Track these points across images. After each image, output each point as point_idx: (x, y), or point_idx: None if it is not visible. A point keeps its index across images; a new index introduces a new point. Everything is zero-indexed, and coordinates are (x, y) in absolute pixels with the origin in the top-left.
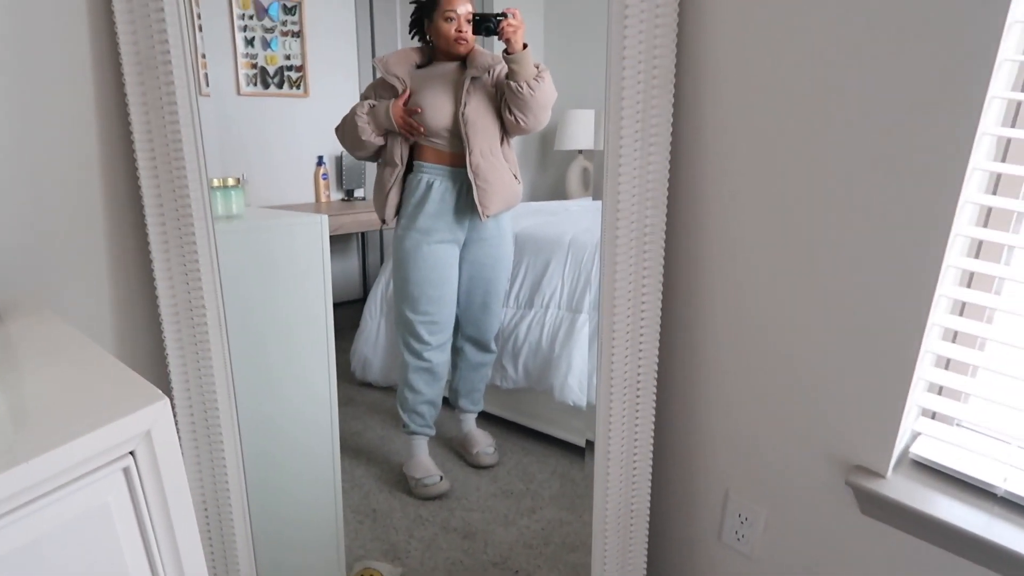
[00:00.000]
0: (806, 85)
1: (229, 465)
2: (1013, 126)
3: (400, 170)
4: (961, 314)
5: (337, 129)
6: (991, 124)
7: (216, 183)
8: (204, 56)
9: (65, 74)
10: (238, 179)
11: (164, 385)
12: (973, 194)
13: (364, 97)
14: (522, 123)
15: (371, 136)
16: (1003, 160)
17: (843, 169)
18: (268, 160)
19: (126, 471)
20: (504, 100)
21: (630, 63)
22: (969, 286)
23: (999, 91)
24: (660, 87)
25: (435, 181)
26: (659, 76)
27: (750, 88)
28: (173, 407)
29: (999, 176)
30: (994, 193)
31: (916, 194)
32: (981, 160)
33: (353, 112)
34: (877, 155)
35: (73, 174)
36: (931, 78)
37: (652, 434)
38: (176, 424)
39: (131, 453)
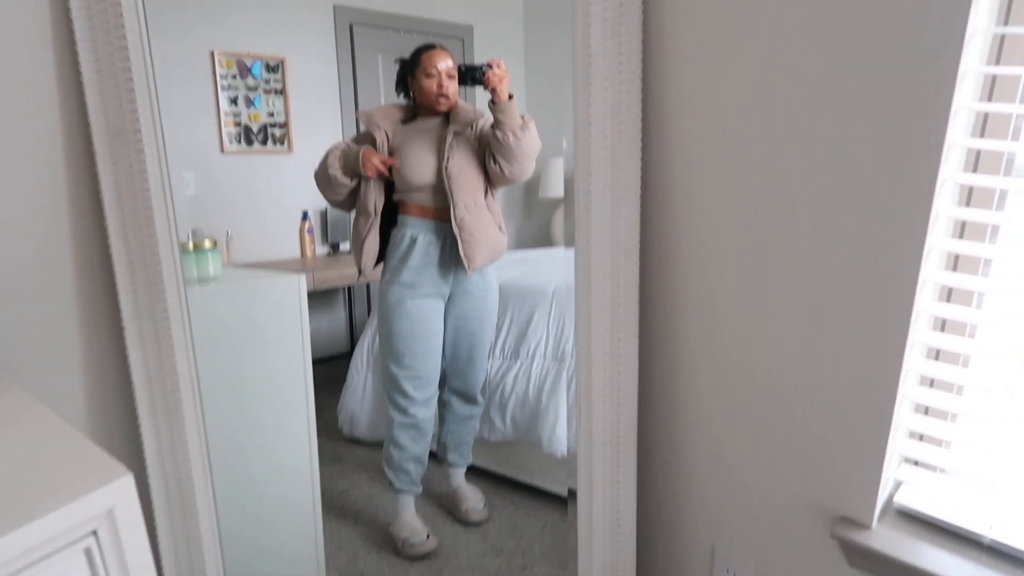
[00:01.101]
0: (770, 134)
1: (204, 536)
2: (975, 171)
3: (374, 220)
4: (937, 359)
5: (316, 172)
6: (952, 170)
7: (191, 246)
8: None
9: (34, 143)
10: (214, 241)
11: (136, 456)
12: (940, 239)
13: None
14: (507, 172)
15: (338, 172)
16: (967, 204)
17: (811, 217)
18: (253, 216)
19: (87, 552)
20: (489, 150)
21: (597, 118)
22: (943, 330)
23: (957, 138)
24: (627, 140)
25: (419, 235)
26: (626, 130)
27: (715, 137)
28: (146, 479)
29: (963, 223)
30: (960, 237)
31: (883, 240)
32: (945, 205)
33: (328, 151)
34: (843, 202)
35: (43, 243)
36: (892, 126)
37: (635, 487)
38: (149, 496)
39: (93, 532)
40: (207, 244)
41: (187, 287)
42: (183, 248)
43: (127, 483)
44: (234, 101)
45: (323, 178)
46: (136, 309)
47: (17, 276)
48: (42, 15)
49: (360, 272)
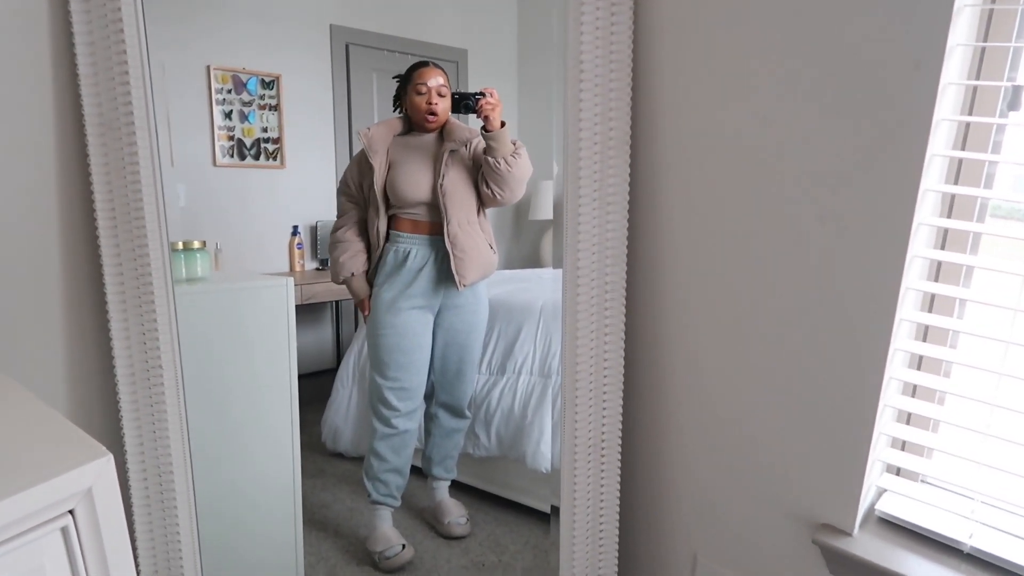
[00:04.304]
0: (764, 141)
1: (183, 530)
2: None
3: (378, 249)
4: (919, 368)
5: (331, 260)
6: (927, 214)
7: (180, 246)
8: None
9: (27, 134)
10: (203, 242)
11: (117, 446)
12: (921, 248)
13: (346, 175)
14: (499, 196)
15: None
16: (948, 215)
17: (795, 230)
18: (243, 230)
19: (64, 531)
20: (481, 174)
21: (586, 125)
22: (924, 339)
23: (927, 215)
24: (616, 148)
25: (412, 250)
26: (615, 138)
27: (705, 143)
28: (126, 470)
29: (946, 230)
30: (942, 247)
31: (865, 251)
32: (927, 216)
33: (339, 259)
34: (825, 213)
35: (31, 234)
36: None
37: (618, 498)
38: (128, 490)
39: (70, 512)
40: (196, 244)
41: (175, 286)
42: (172, 247)
43: (107, 463)
44: (228, 115)
45: (334, 269)
46: (123, 303)
47: (2, 266)
48: (40, 6)
49: (336, 275)
